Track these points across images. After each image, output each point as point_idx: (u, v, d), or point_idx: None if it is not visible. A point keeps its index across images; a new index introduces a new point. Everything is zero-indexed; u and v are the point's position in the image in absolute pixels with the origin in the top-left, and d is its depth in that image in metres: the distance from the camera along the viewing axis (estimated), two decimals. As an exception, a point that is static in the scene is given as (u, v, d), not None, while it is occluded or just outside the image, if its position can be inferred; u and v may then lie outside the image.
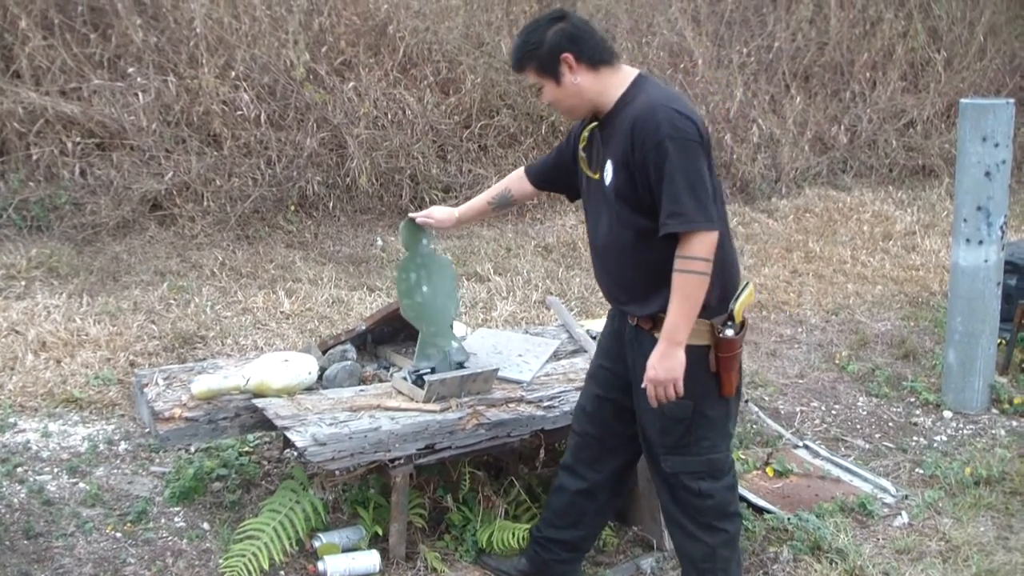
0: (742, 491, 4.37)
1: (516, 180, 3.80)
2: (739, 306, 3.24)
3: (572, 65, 3.18)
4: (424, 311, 3.97)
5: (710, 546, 3.40)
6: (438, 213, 3.98)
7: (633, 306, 3.29)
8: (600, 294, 6.72)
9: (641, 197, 3.14)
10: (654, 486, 3.60)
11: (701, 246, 3.05)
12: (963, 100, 5.37)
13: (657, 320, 3.23)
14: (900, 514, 4.40)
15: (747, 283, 3.31)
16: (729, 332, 3.20)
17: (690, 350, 3.18)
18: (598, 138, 3.29)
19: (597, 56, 3.21)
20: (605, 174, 3.23)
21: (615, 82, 3.23)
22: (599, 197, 3.30)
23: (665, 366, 3.13)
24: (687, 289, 3.07)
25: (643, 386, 3.21)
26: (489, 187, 4.11)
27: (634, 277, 3.24)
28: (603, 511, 3.71)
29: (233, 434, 3.94)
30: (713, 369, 3.22)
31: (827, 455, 4.89)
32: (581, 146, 3.37)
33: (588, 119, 3.34)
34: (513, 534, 3.85)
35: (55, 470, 4.27)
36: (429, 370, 3.90)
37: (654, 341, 3.20)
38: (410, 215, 3.98)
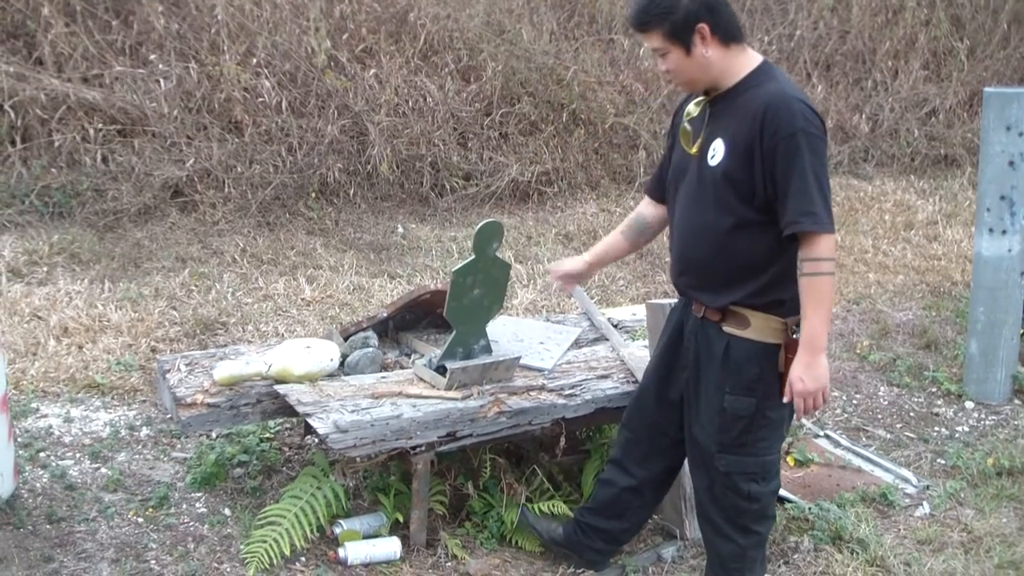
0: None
1: (642, 205, 3.63)
2: None
3: (706, 36, 3.04)
4: (465, 314, 3.84)
5: (742, 547, 3.38)
6: (568, 265, 3.78)
7: (706, 294, 3.20)
8: (621, 282, 6.81)
9: (755, 186, 3.03)
10: (692, 485, 3.56)
11: (828, 247, 2.98)
12: (987, 88, 5.33)
13: (727, 313, 3.16)
14: (922, 504, 4.38)
15: None
16: None
17: (763, 347, 3.13)
18: (707, 115, 3.17)
19: (730, 32, 3.08)
20: (709, 153, 3.12)
21: (740, 62, 3.11)
22: (693, 175, 3.18)
23: (813, 375, 3.04)
24: (821, 292, 2.99)
25: (786, 400, 3.11)
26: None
27: (717, 265, 3.14)
28: (647, 506, 3.71)
29: (255, 420, 3.95)
30: (781, 369, 3.13)
31: (848, 445, 4.87)
32: (686, 119, 3.25)
33: (697, 93, 3.23)
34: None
35: (77, 455, 4.29)
36: (451, 358, 3.89)
37: (720, 333, 3.16)
38: (546, 270, 3.63)
